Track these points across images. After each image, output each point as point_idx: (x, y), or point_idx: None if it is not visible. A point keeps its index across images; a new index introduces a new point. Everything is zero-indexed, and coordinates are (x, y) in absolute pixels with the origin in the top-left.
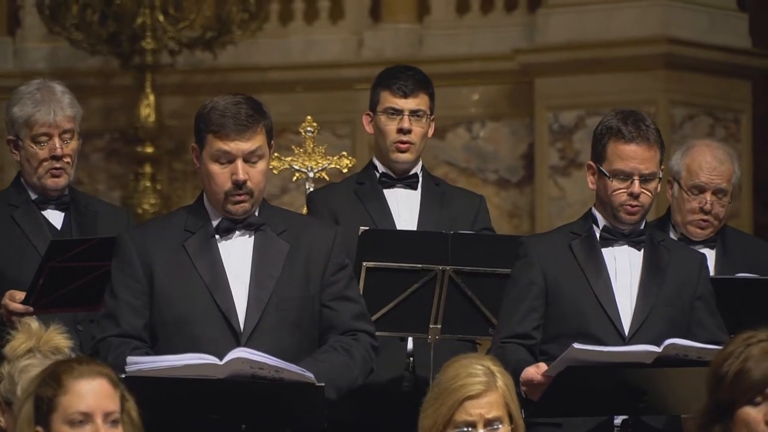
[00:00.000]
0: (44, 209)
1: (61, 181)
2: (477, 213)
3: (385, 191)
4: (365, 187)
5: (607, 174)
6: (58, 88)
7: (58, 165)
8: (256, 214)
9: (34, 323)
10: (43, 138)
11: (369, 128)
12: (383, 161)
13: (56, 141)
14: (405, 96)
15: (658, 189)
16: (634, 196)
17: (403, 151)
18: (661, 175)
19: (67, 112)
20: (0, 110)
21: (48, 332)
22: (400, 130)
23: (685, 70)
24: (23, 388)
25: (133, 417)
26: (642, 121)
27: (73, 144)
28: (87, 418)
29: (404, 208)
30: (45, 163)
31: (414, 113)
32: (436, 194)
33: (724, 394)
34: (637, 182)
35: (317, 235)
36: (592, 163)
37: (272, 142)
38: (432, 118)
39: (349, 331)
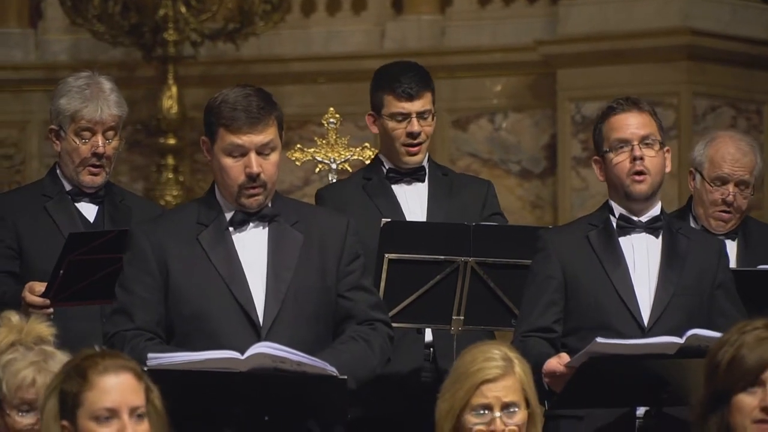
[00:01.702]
0: (78, 201)
1: (99, 180)
2: (485, 199)
3: (393, 186)
4: (373, 183)
5: (608, 149)
6: (107, 84)
7: (98, 163)
8: (269, 205)
9: (14, 316)
10: (86, 133)
11: (373, 129)
12: (392, 160)
13: (99, 138)
14: (411, 99)
15: (668, 166)
16: (637, 158)
17: (414, 154)
18: (666, 150)
19: (114, 111)
20: (24, 101)
21: (29, 323)
22: (410, 134)
23: (708, 61)
24: (8, 384)
25: (157, 407)
26: (632, 97)
27: (115, 143)
28: (113, 413)
29: (413, 201)
30: (85, 159)
31: (421, 114)
32: (443, 184)
33: (719, 383)
34: (637, 146)
35: (330, 225)
36: (596, 157)
37: (283, 133)
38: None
39: (366, 321)
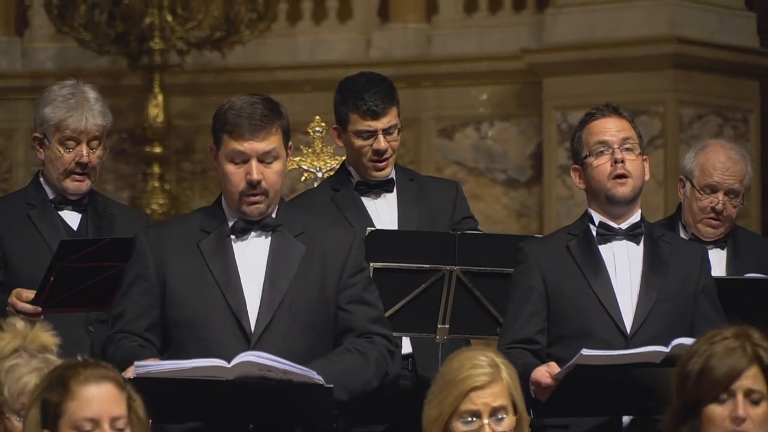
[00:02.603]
0: (61, 209)
1: (83, 187)
2: (455, 202)
3: (362, 197)
4: (342, 194)
5: (588, 153)
6: (92, 94)
7: (82, 172)
8: (274, 215)
9: (19, 323)
10: (71, 143)
11: (339, 142)
12: (359, 172)
13: (83, 148)
14: (376, 117)
15: (647, 174)
16: (618, 161)
17: (381, 170)
18: (645, 158)
19: (98, 120)
20: (10, 110)
21: (34, 330)
22: (376, 152)
23: (694, 69)
24: (10, 389)
25: (140, 416)
26: (612, 104)
27: (99, 152)
28: (94, 424)
29: (383, 211)
30: (69, 168)
31: (386, 130)
32: (411, 191)
33: (689, 393)
34: (618, 150)
35: (335, 238)
36: (575, 165)
37: (290, 143)
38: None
39: (365, 334)
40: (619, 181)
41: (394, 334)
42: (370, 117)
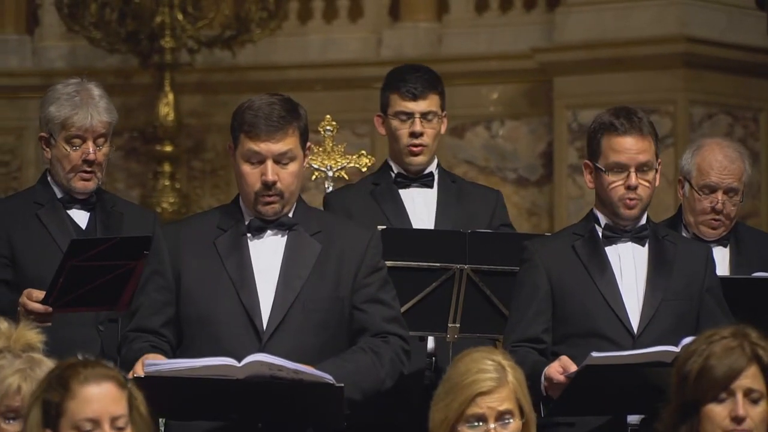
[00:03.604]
0: (70, 208)
1: (90, 185)
2: (494, 209)
3: (401, 191)
4: (381, 188)
5: (603, 169)
6: (96, 91)
7: (89, 169)
8: (291, 214)
9: (3, 323)
10: (77, 141)
11: (381, 130)
12: (398, 162)
13: (90, 145)
14: (415, 99)
15: (657, 181)
16: (632, 188)
17: (416, 154)
18: (658, 167)
19: (103, 117)
20: (21, 108)
21: (18, 330)
22: (412, 134)
23: (704, 68)
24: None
25: (142, 413)
26: (634, 113)
27: (106, 149)
28: (94, 424)
29: (421, 207)
30: (76, 166)
31: (425, 116)
32: (452, 192)
33: (688, 393)
34: (633, 174)
35: (352, 237)
36: (588, 161)
37: (308, 144)
38: (444, 114)
39: (380, 334)
40: (629, 203)
41: None
42: (409, 98)
